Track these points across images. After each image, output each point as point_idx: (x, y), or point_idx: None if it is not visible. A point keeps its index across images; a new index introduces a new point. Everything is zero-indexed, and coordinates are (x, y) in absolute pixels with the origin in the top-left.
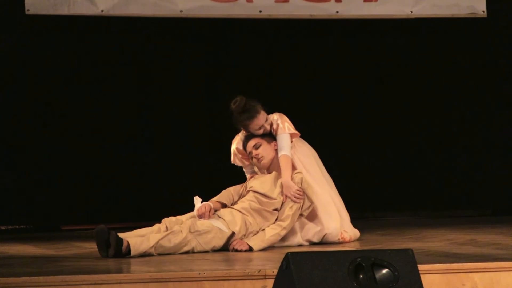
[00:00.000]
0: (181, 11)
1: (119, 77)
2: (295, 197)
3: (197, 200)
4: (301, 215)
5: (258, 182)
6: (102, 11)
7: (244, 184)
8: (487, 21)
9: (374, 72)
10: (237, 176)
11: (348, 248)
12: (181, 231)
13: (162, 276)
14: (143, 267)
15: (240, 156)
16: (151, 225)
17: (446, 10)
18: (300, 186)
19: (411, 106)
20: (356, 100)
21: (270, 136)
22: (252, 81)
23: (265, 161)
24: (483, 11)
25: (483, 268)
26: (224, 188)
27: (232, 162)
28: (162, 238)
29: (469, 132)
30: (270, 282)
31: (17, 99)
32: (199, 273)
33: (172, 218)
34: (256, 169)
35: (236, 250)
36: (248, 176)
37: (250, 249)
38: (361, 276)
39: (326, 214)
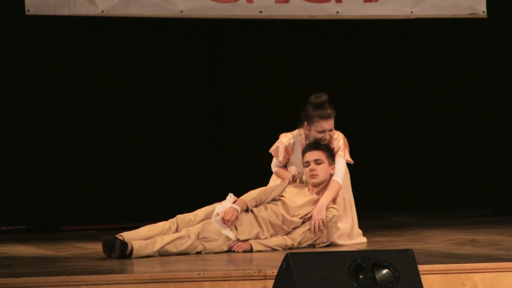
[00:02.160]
0: (181, 11)
1: (119, 78)
2: (316, 225)
3: (230, 198)
4: (313, 245)
5: (294, 195)
6: (102, 11)
7: (283, 187)
8: (487, 21)
9: (374, 73)
10: (237, 177)
11: (348, 248)
12: (189, 236)
13: (163, 276)
14: (144, 268)
15: (283, 153)
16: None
17: (446, 10)
18: (327, 220)
19: (410, 106)
20: (356, 100)
21: (332, 157)
22: (252, 81)
23: (317, 180)
24: (483, 12)
25: (483, 269)
26: (223, 189)
27: (270, 151)
28: (168, 244)
29: (469, 132)
30: (270, 283)
31: (17, 99)
32: (200, 274)
33: (186, 218)
34: (293, 169)
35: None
36: (274, 169)
37: (250, 250)
38: (361, 276)
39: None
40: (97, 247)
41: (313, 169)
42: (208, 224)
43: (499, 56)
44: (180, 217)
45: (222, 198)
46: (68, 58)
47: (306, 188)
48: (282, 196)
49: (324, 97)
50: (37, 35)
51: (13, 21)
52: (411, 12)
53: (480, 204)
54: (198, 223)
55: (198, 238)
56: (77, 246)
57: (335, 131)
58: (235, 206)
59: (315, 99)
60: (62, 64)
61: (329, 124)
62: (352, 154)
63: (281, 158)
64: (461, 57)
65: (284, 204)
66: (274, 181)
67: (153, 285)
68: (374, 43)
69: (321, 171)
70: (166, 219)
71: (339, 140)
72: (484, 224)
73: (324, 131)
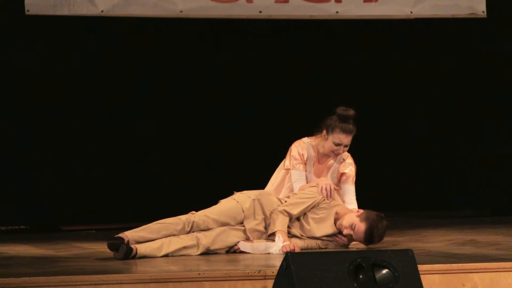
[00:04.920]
0: (181, 11)
1: (119, 78)
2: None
3: (279, 238)
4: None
5: (317, 224)
6: (102, 11)
7: (313, 204)
8: (487, 21)
9: (374, 73)
10: (237, 177)
11: (348, 248)
12: (197, 246)
13: (162, 276)
14: (143, 267)
15: (302, 161)
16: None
17: (446, 10)
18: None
19: (410, 106)
20: (356, 100)
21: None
22: (252, 81)
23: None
24: (483, 12)
25: (483, 269)
26: (223, 189)
27: (285, 167)
28: (173, 252)
29: (469, 132)
30: (270, 283)
31: (17, 99)
32: (199, 274)
33: (202, 225)
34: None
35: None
36: (297, 186)
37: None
38: (361, 276)
39: None
40: (97, 247)
41: (348, 233)
42: (221, 235)
43: (499, 56)
44: (197, 220)
45: (222, 198)
46: (68, 58)
47: (333, 216)
48: (307, 222)
49: (352, 112)
50: (37, 35)
51: (13, 21)
52: (411, 12)
53: (480, 204)
54: (213, 228)
55: (208, 249)
56: (77, 246)
57: (348, 154)
58: (287, 243)
59: (343, 111)
60: (62, 64)
61: (348, 139)
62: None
63: (301, 167)
64: (461, 57)
65: (302, 227)
66: (274, 178)
67: (153, 285)
68: (374, 43)
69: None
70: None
71: (351, 167)
72: (484, 224)
73: (340, 145)
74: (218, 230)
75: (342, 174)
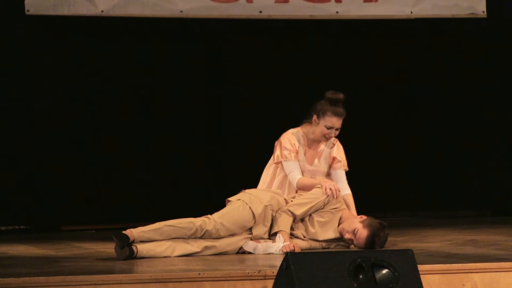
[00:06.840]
0: (181, 11)
1: (119, 78)
2: (331, 189)
3: (279, 238)
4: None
5: (322, 227)
6: (102, 11)
7: (321, 203)
8: (487, 21)
9: (374, 72)
10: (237, 177)
11: (348, 248)
12: (203, 252)
13: (162, 276)
14: (143, 267)
15: (294, 150)
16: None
17: (446, 10)
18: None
19: (410, 106)
20: (356, 100)
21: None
22: (252, 81)
23: (348, 236)
24: (483, 12)
25: (483, 269)
26: (223, 189)
27: (275, 161)
28: (177, 257)
29: (469, 132)
30: (270, 283)
31: (17, 99)
32: (199, 273)
33: (214, 234)
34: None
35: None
36: (296, 179)
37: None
38: (361, 276)
39: None
40: (97, 247)
41: (349, 239)
42: (229, 247)
43: (499, 56)
44: (210, 229)
45: (222, 197)
46: (68, 58)
47: (337, 221)
48: (312, 226)
49: (341, 95)
50: (37, 35)
51: (13, 21)
52: (411, 12)
53: (480, 205)
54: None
55: (216, 254)
56: (77, 246)
57: (336, 138)
58: (287, 243)
59: (332, 95)
60: (61, 64)
61: (339, 122)
62: (351, 155)
63: (293, 156)
64: (461, 57)
65: (306, 229)
66: (265, 176)
67: (153, 285)
68: (374, 43)
69: (357, 235)
70: (166, 220)
71: (340, 151)
72: (484, 224)
73: (332, 128)
74: (226, 241)
75: (334, 158)
